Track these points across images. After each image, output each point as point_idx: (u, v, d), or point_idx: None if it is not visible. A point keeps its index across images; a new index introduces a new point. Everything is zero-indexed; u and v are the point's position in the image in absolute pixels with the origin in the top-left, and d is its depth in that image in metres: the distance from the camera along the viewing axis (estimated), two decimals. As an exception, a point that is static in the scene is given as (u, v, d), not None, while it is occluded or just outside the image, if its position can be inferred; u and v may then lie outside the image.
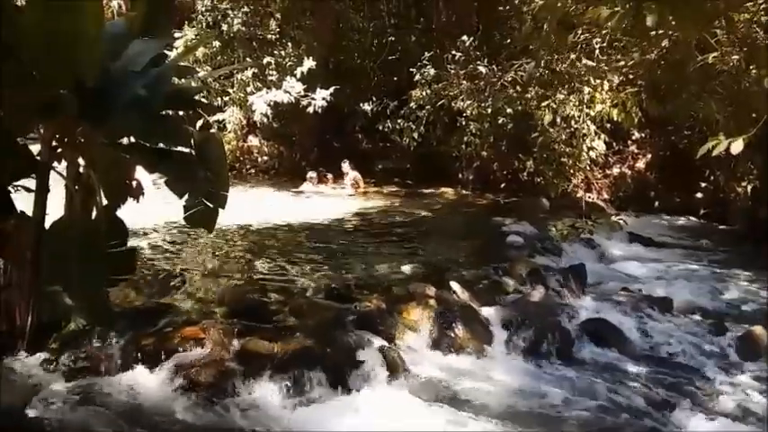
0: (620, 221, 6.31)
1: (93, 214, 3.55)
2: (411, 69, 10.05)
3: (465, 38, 9.99)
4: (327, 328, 4.11)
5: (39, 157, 3.47)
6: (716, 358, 4.59)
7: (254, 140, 12.72)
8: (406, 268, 5.66)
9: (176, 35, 9.68)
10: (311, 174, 10.82)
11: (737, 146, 2.88)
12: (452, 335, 4.35)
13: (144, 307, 4.35)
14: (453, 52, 9.88)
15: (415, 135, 10.07)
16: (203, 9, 11.36)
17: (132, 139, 3.64)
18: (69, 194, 3.52)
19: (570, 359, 4.42)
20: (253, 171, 12.43)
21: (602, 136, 8.42)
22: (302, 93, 10.38)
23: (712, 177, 9.58)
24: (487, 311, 4.79)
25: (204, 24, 11.08)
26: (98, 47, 2.97)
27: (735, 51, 4.93)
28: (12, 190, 3.72)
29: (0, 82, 3.09)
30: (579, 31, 5.65)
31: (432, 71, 9.75)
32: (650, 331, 5.01)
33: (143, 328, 3.83)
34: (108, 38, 3.21)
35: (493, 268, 5.71)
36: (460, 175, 11.22)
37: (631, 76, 6.02)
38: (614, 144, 9.68)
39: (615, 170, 10.57)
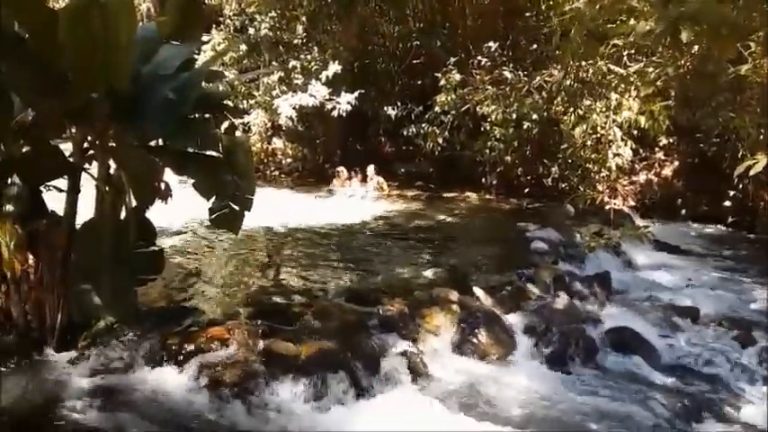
0: (648, 233, 6.23)
1: (122, 215, 3.62)
2: (436, 74, 10.06)
3: (491, 43, 9.99)
4: (350, 331, 4.12)
5: (70, 159, 3.56)
6: (743, 370, 4.51)
7: (278, 143, 12.81)
8: (429, 273, 5.65)
9: (204, 38, 9.81)
10: (340, 169, 10.84)
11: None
12: (475, 341, 4.35)
13: (170, 306, 4.43)
14: (479, 57, 9.88)
15: (440, 140, 10.08)
16: (231, 13, 11.53)
17: (161, 142, 3.71)
18: (99, 195, 3.60)
19: (594, 367, 4.39)
20: (276, 173, 12.52)
21: (629, 142, 8.34)
22: (327, 96, 10.45)
23: (740, 185, 9.41)
24: (511, 318, 4.77)
25: (232, 28, 11.23)
26: (130, 53, 3.04)
27: (768, 63, 4.84)
28: (43, 190, 3.82)
29: (35, 86, 3.18)
30: (609, 42, 5.60)
31: (457, 76, 9.75)
32: (676, 341, 4.95)
33: (169, 328, 3.88)
34: (138, 42, 3.27)
35: (516, 274, 5.68)
36: (484, 180, 11.16)
37: (660, 84, 5.95)
38: (641, 151, 9.57)
39: (641, 177, 10.43)
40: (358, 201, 9.96)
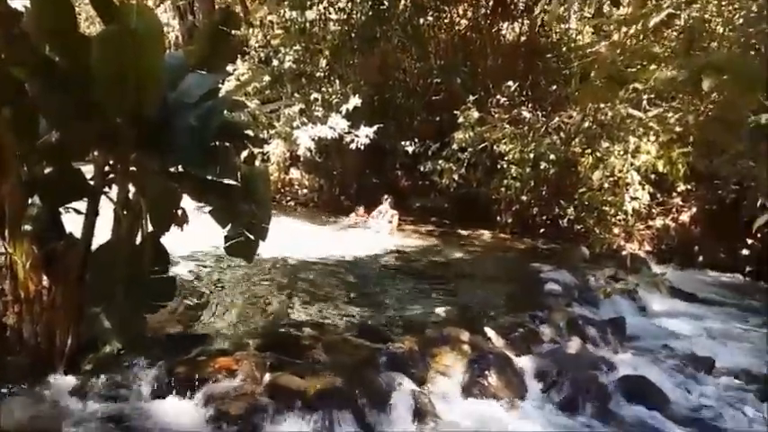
0: (665, 280, 6.14)
1: (138, 239, 3.63)
2: (455, 111, 10.13)
3: (510, 83, 10.07)
4: (358, 368, 4.08)
5: (91, 182, 3.60)
6: (759, 424, 4.39)
7: (295, 173, 12.92)
8: (440, 310, 5.60)
9: (229, 68, 9.98)
10: (359, 208, 10.91)
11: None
12: (485, 383, 4.26)
13: (179, 334, 4.41)
14: (498, 96, 9.94)
15: (456, 176, 10.08)
16: (256, 45, 11.74)
17: (181, 169, 3.74)
18: (117, 219, 3.62)
19: (606, 416, 4.28)
20: (292, 203, 12.59)
21: (646, 187, 8.29)
22: (346, 129, 10.55)
23: (759, 234, 9.29)
24: (522, 360, 4.69)
25: (256, 60, 11.43)
26: (161, 81, 3.09)
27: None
28: (62, 212, 3.85)
29: (63, 109, 3.24)
30: (629, 87, 5.62)
31: (475, 114, 9.80)
32: (691, 392, 4.84)
33: (177, 356, 3.86)
34: (165, 69, 3.34)
35: (529, 316, 5.61)
36: (499, 218, 11.14)
37: (679, 130, 5.94)
38: (658, 195, 9.51)
39: (658, 222, 10.34)
40: (372, 234, 9.96)
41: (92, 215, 3.57)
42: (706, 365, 5.27)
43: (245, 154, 4.38)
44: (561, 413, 4.22)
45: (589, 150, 8.36)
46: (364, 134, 10.59)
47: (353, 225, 10.56)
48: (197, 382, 3.59)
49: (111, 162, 3.60)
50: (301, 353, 4.19)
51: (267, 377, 3.72)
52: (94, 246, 3.59)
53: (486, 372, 4.34)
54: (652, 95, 6.47)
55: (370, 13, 11.41)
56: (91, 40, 3.09)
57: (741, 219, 8.32)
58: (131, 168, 3.57)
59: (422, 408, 3.83)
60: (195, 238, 4.50)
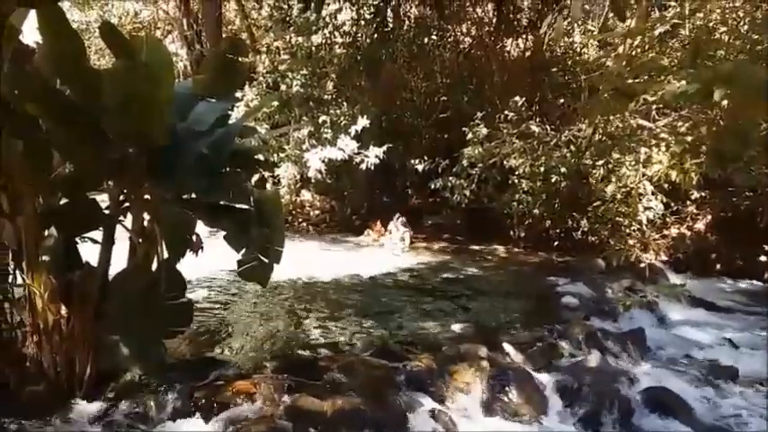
0: (685, 291, 6.07)
1: (154, 266, 3.66)
2: (463, 128, 10.16)
3: (517, 98, 10.10)
4: (377, 388, 4.05)
5: (106, 211, 3.64)
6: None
7: (306, 195, 12.98)
8: (457, 327, 5.58)
9: (237, 95, 10.10)
10: (374, 226, 10.97)
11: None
12: (506, 399, 4.22)
13: (197, 359, 4.43)
14: (506, 112, 9.96)
15: (467, 192, 10.09)
16: (264, 71, 11.88)
17: (194, 195, 3.78)
18: (133, 247, 3.66)
19: (630, 429, 4.22)
20: (304, 225, 12.63)
21: (660, 196, 8.24)
22: (356, 150, 10.61)
23: (776, 240, 9.19)
24: (542, 376, 4.63)
25: (264, 85, 11.55)
26: (169, 109, 3.13)
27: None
28: (79, 241, 3.89)
29: (75, 141, 3.29)
30: (638, 99, 5.62)
31: (484, 130, 9.83)
32: (715, 402, 4.76)
33: (196, 381, 3.86)
34: (175, 99, 3.38)
35: (547, 330, 5.56)
36: (512, 233, 11.09)
37: (690, 138, 5.92)
38: (672, 204, 9.45)
39: (673, 231, 10.25)
40: (385, 253, 9.96)
41: (108, 244, 3.60)
42: (729, 374, 5.19)
43: (256, 178, 4.42)
44: (584, 428, 4.16)
45: (600, 162, 8.33)
46: (374, 154, 10.65)
47: (367, 244, 10.58)
48: (217, 407, 3.59)
49: (125, 191, 3.64)
50: (319, 374, 4.17)
51: (286, 399, 3.71)
52: (111, 274, 3.62)
53: (507, 388, 4.30)
54: (661, 105, 6.47)
55: (375, 35, 11.53)
56: (101, 72, 3.15)
57: (757, 225, 8.22)
58: (145, 196, 3.60)
59: (443, 426, 3.79)
60: (211, 261, 4.53)
